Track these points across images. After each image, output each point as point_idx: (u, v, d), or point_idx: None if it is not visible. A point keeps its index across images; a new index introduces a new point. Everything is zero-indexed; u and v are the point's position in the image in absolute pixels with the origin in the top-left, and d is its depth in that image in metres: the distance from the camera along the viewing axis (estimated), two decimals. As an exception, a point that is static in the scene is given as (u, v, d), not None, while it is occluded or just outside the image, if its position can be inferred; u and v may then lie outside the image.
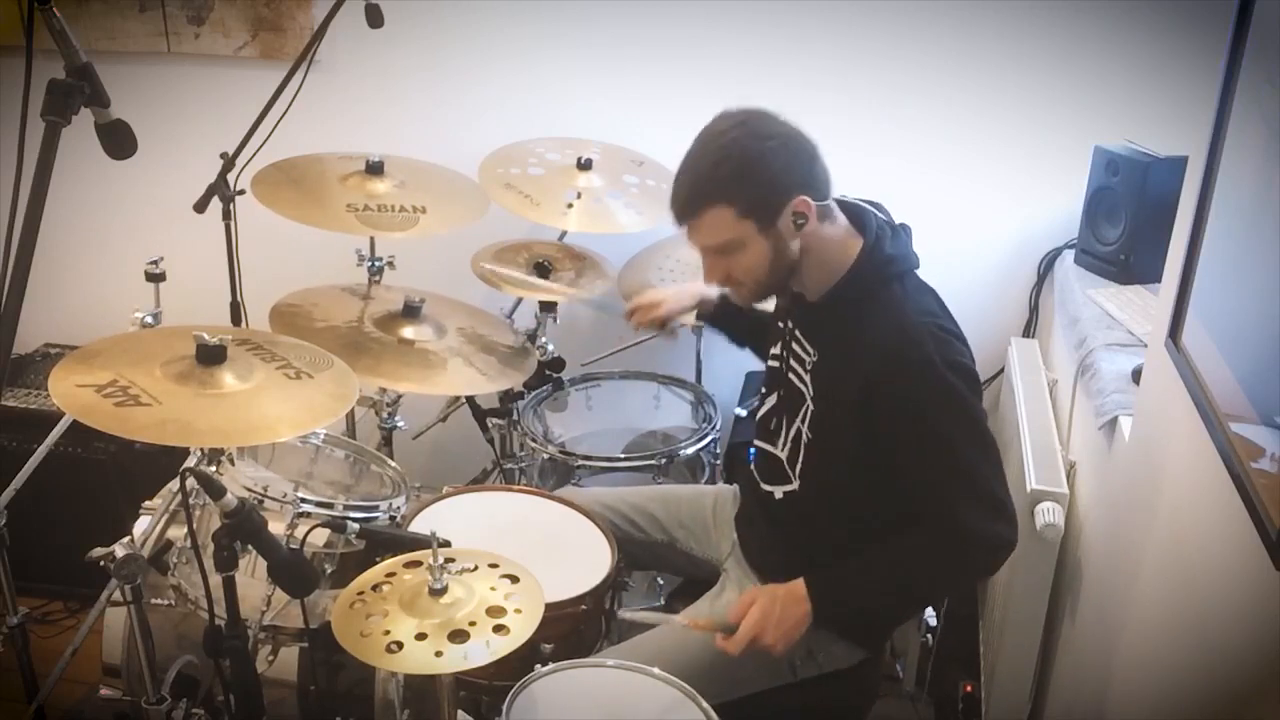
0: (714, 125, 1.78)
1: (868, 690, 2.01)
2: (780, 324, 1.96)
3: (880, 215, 1.85)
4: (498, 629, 1.48)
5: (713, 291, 2.23)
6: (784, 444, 1.92)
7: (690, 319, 2.32)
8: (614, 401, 2.69)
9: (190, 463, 1.97)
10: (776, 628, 1.77)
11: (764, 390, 2.03)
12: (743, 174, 1.72)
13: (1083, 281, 2.49)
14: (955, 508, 1.72)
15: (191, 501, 1.90)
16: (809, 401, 1.85)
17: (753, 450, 2.04)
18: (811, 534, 1.91)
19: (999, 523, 1.74)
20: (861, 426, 1.76)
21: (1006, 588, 2.25)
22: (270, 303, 2.35)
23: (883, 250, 1.80)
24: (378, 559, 1.66)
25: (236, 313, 2.47)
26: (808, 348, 1.86)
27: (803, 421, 1.86)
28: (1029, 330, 2.87)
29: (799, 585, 1.79)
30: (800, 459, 1.88)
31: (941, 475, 1.73)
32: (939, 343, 1.73)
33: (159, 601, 2.07)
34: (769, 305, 2.03)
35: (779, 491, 1.93)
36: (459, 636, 1.46)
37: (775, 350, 1.98)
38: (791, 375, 1.90)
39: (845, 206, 1.83)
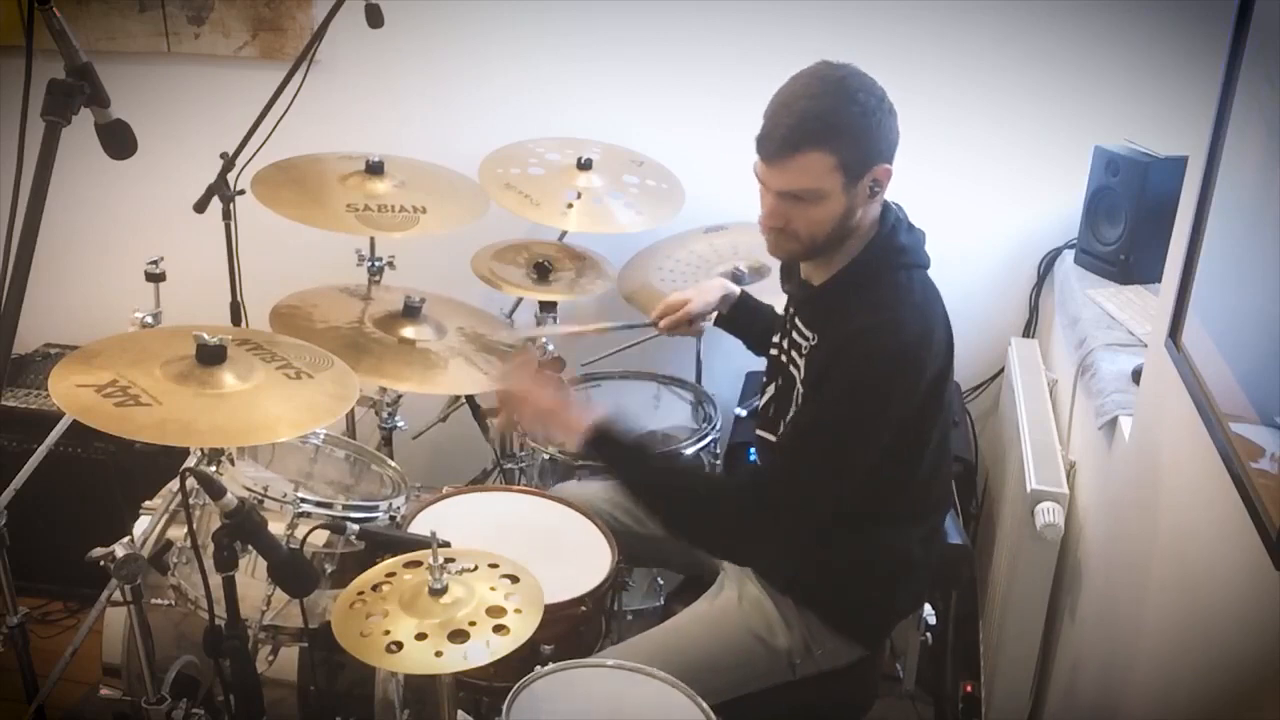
0: (824, 70, 1.71)
1: (867, 689, 2.01)
2: (786, 311, 1.96)
3: (900, 213, 1.86)
4: (498, 629, 1.48)
5: (734, 288, 2.23)
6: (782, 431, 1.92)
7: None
8: (614, 401, 2.69)
9: (190, 463, 1.97)
10: (532, 416, 1.91)
11: (765, 379, 2.03)
12: (856, 126, 1.68)
13: (1083, 281, 2.49)
14: (765, 476, 1.77)
15: (191, 501, 1.90)
16: (799, 385, 1.85)
17: (752, 450, 2.04)
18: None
19: (776, 517, 1.74)
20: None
21: (1006, 588, 2.25)
22: (270, 303, 2.35)
23: (896, 239, 1.80)
24: (378, 559, 1.66)
25: (236, 313, 2.48)
26: (806, 333, 1.85)
27: (796, 407, 1.86)
28: (1029, 330, 2.87)
29: (581, 421, 1.81)
30: None
31: (796, 431, 1.77)
32: (918, 336, 1.73)
33: (159, 601, 2.07)
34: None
35: None
36: (459, 636, 1.46)
37: (776, 339, 1.98)
38: (788, 362, 1.90)
39: None
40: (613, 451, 1.83)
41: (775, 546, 1.77)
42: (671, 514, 1.84)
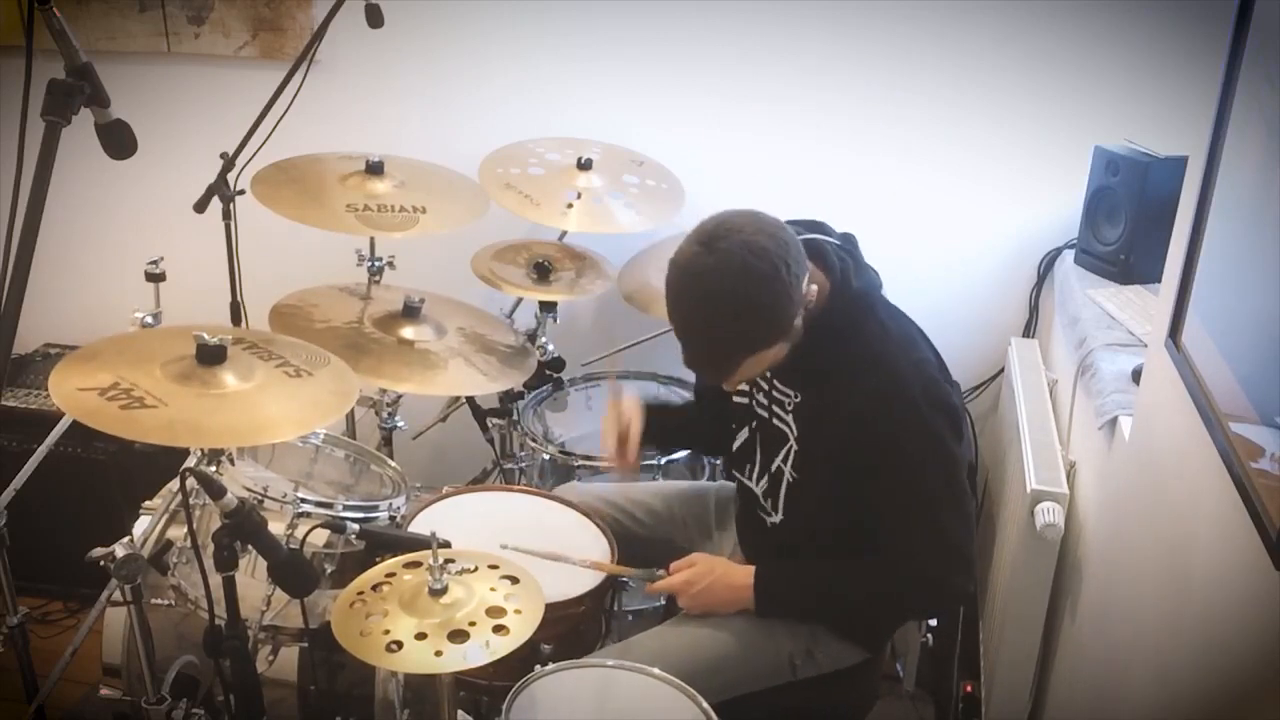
0: (710, 273, 1.61)
1: (868, 690, 2.01)
2: None
3: (830, 241, 1.81)
4: (497, 629, 1.48)
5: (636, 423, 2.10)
6: (761, 479, 1.92)
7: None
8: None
9: (190, 463, 1.97)
10: (697, 598, 1.85)
11: (734, 425, 2.00)
12: (773, 316, 1.65)
13: (1083, 281, 2.49)
14: (919, 557, 1.74)
15: (191, 501, 1.90)
16: (793, 442, 1.85)
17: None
18: (804, 556, 1.91)
19: (959, 575, 1.77)
20: (844, 466, 1.76)
21: (1006, 588, 2.25)
22: (270, 303, 2.35)
23: (850, 285, 1.77)
24: (377, 559, 1.66)
25: (236, 313, 2.47)
26: (785, 389, 1.85)
27: (784, 461, 1.86)
28: (1029, 330, 2.87)
29: (746, 576, 1.83)
30: (781, 496, 1.88)
31: (912, 525, 1.75)
32: (926, 382, 1.74)
33: (159, 601, 2.07)
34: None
35: (768, 520, 1.94)
36: (459, 636, 1.46)
37: (742, 387, 1.96)
38: (768, 415, 1.89)
39: None
40: (784, 594, 1.86)
41: (962, 596, 1.80)
42: (863, 624, 1.91)
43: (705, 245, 1.63)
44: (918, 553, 1.74)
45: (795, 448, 1.84)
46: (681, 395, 2.69)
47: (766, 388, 1.89)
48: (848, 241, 1.85)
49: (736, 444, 1.99)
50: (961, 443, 1.77)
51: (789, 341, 1.72)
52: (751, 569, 1.86)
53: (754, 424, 1.93)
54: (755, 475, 1.93)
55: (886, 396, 1.71)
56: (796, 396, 1.83)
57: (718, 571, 1.88)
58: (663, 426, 2.14)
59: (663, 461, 2.37)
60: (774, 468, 1.88)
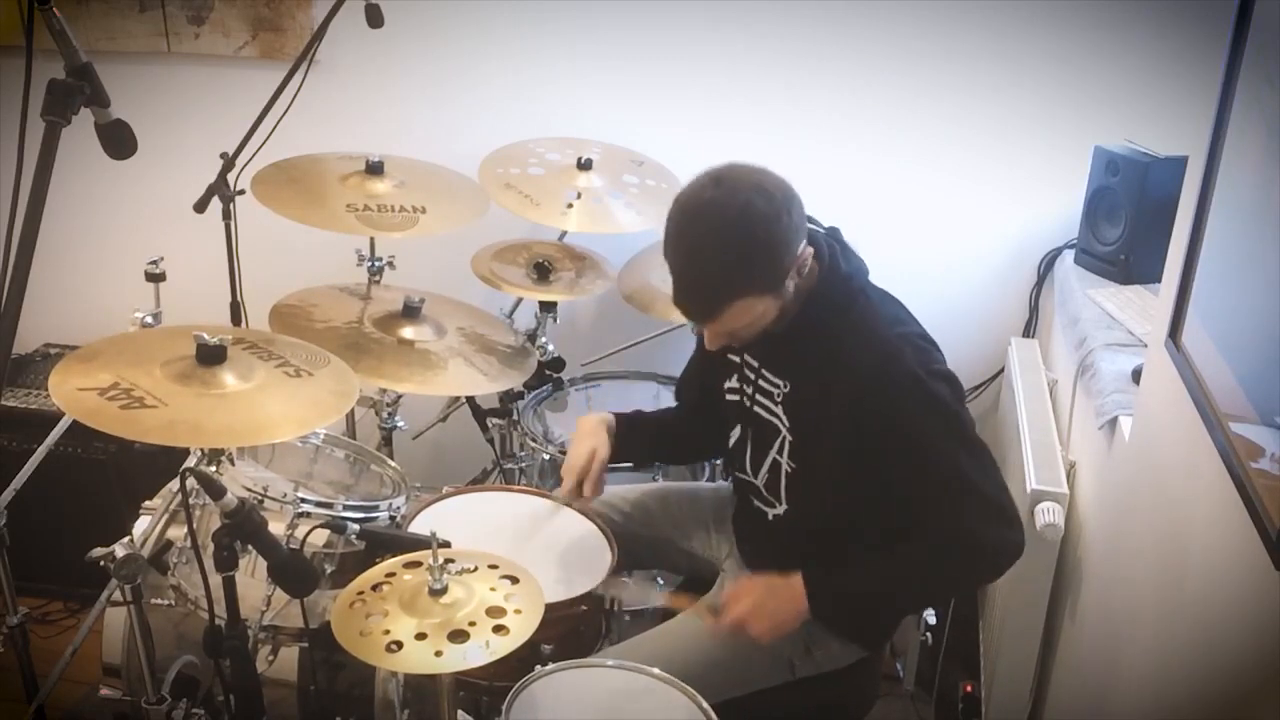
0: (715, 204, 1.65)
1: (868, 689, 2.01)
2: (735, 357, 1.92)
3: (817, 230, 1.82)
4: (497, 629, 1.48)
5: (609, 418, 2.07)
6: (761, 473, 1.91)
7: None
8: (614, 401, 2.69)
9: (190, 463, 1.97)
10: (768, 619, 1.77)
11: (729, 423, 1.99)
12: (765, 255, 1.65)
13: (1083, 281, 2.49)
14: (960, 517, 1.71)
15: (191, 501, 1.90)
16: (785, 433, 1.84)
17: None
18: (806, 548, 1.90)
19: (1006, 528, 1.73)
20: (850, 449, 1.75)
21: (1006, 588, 2.25)
22: (270, 303, 2.35)
23: (840, 268, 1.78)
24: (378, 559, 1.66)
25: (236, 313, 2.47)
26: (774, 380, 1.85)
27: (779, 453, 1.86)
28: (1029, 330, 2.87)
29: (797, 582, 1.78)
30: (783, 486, 1.88)
31: (941, 487, 1.72)
32: (918, 352, 1.74)
33: (159, 601, 2.07)
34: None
35: (770, 513, 1.93)
36: (459, 636, 1.46)
37: (732, 383, 1.95)
38: (758, 409, 1.89)
39: None
40: (837, 588, 1.79)
41: (1014, 548, 1.76)
42: (920, 599, 1.94)
43: (713, 180, 1.67)
44: (964, 518, 1.70)
45: (789, 439, 1.84)
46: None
47: (754, 378, 1.89)
48: (833, 233, 1.86)
49: (732, 441, 1.98)
50: (963, 405, 1.76)
51: (779, 301, 1.71)
52: (797, 577, 1.79)
53: (745, 421, 1.92)
54: (753, 470, 1.92)
55: (883, 372, 1.71)
56: (785, 386, 1.83)
57: (775, 585, 1.80)
58: (635, 442, 2.07)
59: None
60: (770, 461, 1.88)
